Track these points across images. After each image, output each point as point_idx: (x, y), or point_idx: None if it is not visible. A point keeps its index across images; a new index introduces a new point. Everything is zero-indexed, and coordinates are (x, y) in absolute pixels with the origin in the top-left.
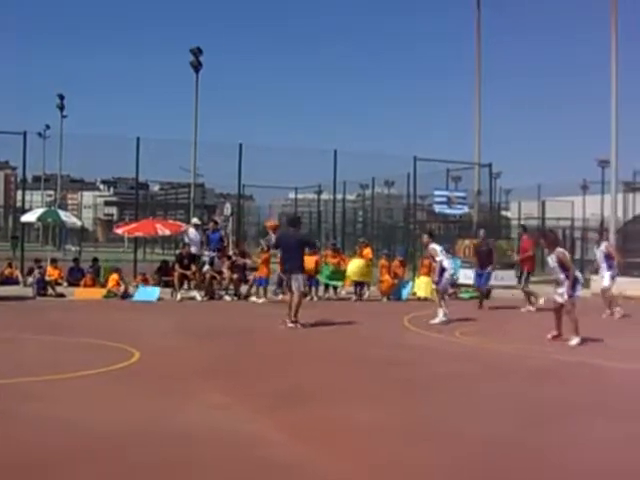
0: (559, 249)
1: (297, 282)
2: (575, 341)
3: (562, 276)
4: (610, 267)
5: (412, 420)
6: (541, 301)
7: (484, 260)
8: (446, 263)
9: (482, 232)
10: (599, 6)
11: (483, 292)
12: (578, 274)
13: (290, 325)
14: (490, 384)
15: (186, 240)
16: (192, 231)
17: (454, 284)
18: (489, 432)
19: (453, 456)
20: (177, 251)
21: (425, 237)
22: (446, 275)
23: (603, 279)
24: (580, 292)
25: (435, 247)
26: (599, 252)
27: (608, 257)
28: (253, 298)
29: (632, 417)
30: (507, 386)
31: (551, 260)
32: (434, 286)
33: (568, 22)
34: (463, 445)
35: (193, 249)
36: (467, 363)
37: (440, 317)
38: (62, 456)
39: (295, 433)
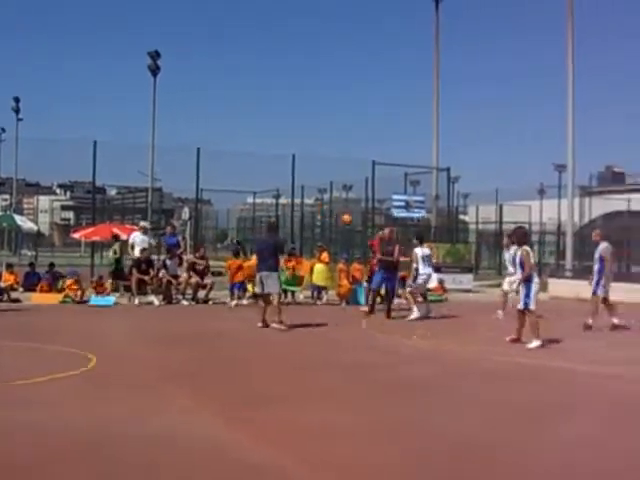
0: (525, 247)
1: (273, 281)
2: (534, 344)
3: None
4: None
5: (378, 422)
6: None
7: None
8: (421, 269)
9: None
10: (557, 12)
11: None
12: (535, 277)
13: (275, 326)
14: (450, 386)
15: (130, 242)
16: (138, 234)
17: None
18: (452, 433)
19: (418, 456)
20: (134, 255)
21: (414, 241)
22: (419, 280)
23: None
24: (535, 294)
25: (416, 252)
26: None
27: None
28: (233, 302)
29: (590, 418)
30: (465, 388)
31: (508, 255)
32: (408, 288)
33: (526, 28)
34: (427, 445)
35: (136, 252)
36: (426, 365)
37: (415, 314)
38: (20, 463)
39: (263, 436)
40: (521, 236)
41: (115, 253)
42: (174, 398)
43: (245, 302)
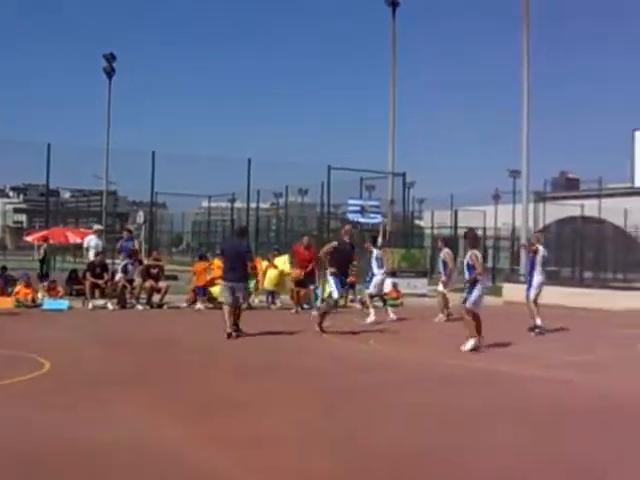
0: (474, 250)
1: (241, 292)
2: (469, 345)
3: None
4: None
5: (328, 429)
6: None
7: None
8: (375, 270)
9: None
10: (512, 18)
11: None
12: (484, 281)
13: (235, 334)
14: (400, 392)
15: (85, 246)
16: (93, 238)
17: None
18: (396, 439)
19: (366, 464)
20: (88, 259)
21: (366, 244)
22: (374, 281)
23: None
24: (476, 296)
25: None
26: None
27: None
28: (198, 305)
29: (534, 421)
30: (418, 393)
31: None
32: (366, 291)
33: (483, 33)
34: (375, 453)
35: (91, 255)
36: (380, 371)
37: (372, 317)
38: None
39: (213, 443)
40: (472, 239)
41: (41, 254)
42: (125, 404)
43: (202, 307)
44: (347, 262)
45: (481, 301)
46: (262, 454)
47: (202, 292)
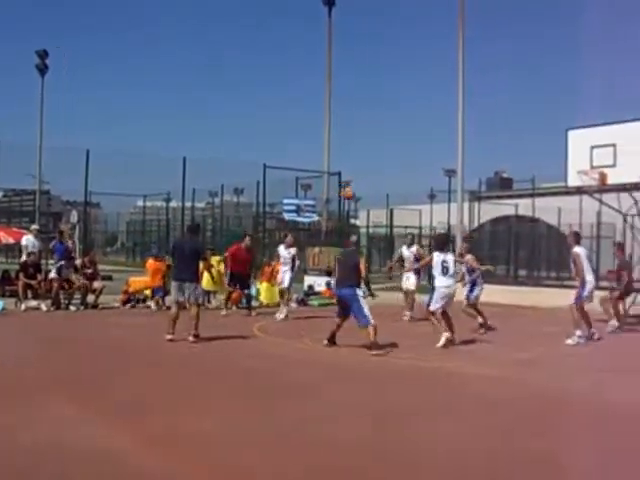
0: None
1: (193, 293)
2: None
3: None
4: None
5: (263, 427)
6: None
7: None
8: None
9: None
10: (448, 15)
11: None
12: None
13: (191, 339)
14: (340, 390)
15: (24, 244)
16: (30, 237)
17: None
18: (345, 437)
19: (299, 461)
20: (22, 259)
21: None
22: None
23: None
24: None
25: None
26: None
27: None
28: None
29: (476, 418)
30: (356, 391)
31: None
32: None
33: (417, 31)
34: (319, 451)
35: (30, 256)
36: (317, 370)
37: (283, 313)
38: None
39: (150, 443)
40: (440, 242)
41: None
42: (59, 406)
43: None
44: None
45: (442, 301)
46: (200, 452)
47: (159, 292)
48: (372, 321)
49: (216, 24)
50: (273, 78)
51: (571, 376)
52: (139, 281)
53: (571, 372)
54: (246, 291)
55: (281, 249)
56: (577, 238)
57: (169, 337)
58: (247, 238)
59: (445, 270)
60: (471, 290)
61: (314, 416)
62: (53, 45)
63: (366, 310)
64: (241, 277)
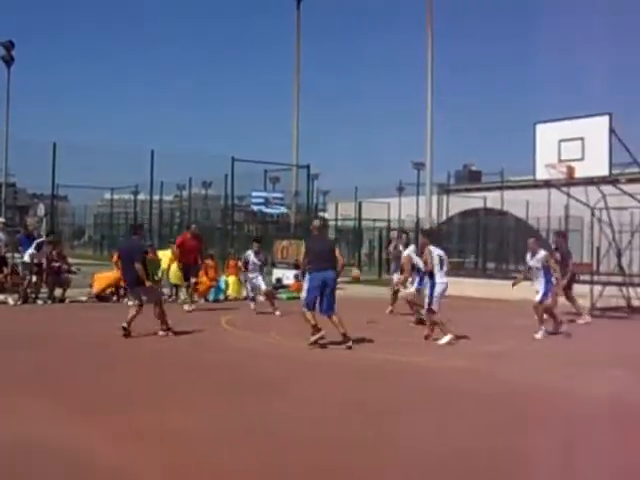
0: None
1: (147, 295)
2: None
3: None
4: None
5: (232, 423)
6: None
7: None
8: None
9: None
10: (417, 12)
11: None
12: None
13: (161, 333)
14: (307, 384)
15: None
16: None
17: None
18: (313, 431)
19: (268, 457)
20: None
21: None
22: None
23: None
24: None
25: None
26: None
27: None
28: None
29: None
30: (322, 385)
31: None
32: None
33: (384, 25)
34: (279, 446)
35: None
36: (284, 363)
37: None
38: None
39: (118, 440)
40: (436, 235)
41: None
42: (26, 403)
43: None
44: None
45: (441, 297)
46: (170, 449)
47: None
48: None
49: (184, 17)
50: (241, 72)
51: (540, 369)
52: (104, 277)
53: (541, 365)
54: (193, 280)
55: (251, 256)
56: (539, 244)
57: (124, 325)
58: (193, 226)
59: (442, 264)
60: (420, 283)
61: (284, 412)
62: (19, 37)
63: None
64: (189, 267)
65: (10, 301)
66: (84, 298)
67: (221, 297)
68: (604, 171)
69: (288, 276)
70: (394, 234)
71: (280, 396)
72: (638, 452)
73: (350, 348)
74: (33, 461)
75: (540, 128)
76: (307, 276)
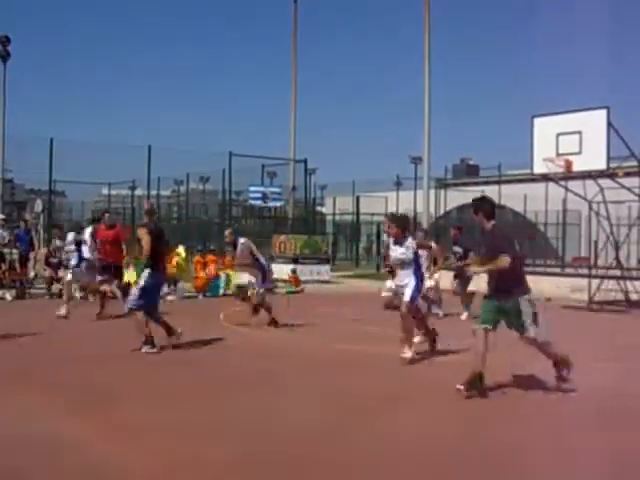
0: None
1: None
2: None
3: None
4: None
5: (219, 418)
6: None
7: None
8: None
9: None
10: (413, 3)
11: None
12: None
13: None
14: (299, 378)
15: None
16: None
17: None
18: (302, 424)
19: (256, 450)
20: None
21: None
22: None
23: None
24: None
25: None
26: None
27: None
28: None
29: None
30: (313, 378)
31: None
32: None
33: (383, 20)
34: (268, 440)
35: None
36: (277, 358)
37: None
38: None
39: (104, 435)
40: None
41: None
42: (12, 397)
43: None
44: None
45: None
46: (159, 442)
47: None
48: None
49: (181, 8)
50: (239, 67)
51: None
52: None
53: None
54: (115, 281)
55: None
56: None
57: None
58: (107, 215)
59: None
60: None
61: (274, 404)
62: (17, 31)
63: None
64: (110, 265)
65: (8, 297)
66: (80, 294)
67: (220, 293)
68: (602, 165)
69: (286, 271)
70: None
71: (268, 388)
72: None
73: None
74: (16, 456)
75: (538, 122)
76: None
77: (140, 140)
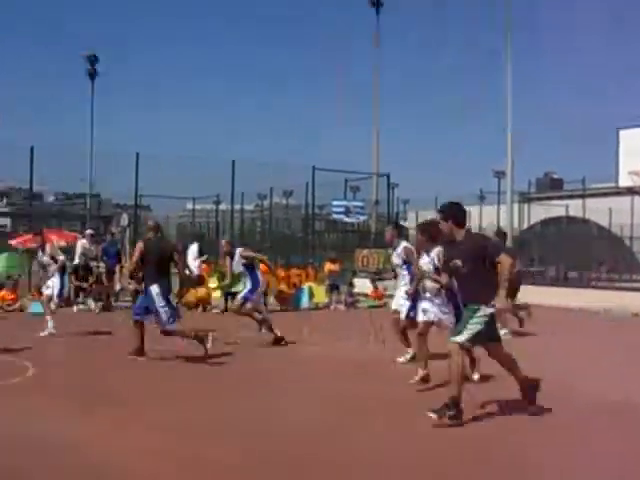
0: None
1: None
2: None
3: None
4: None
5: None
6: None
7: None
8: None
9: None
10: (496, 25)
11: None
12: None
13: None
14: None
15: (79, 251)
16: (83, 242)
17: None
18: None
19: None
20: (74, 262)
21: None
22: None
23: None
24: None
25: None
26: None
27: None
28: None
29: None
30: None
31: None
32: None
33: (465, 34)
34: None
35: (81, 259)
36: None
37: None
38: None
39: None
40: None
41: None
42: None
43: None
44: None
45: None
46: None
47: None
48: None
49: (268, 20)
50: (321, 81)
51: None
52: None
53: None
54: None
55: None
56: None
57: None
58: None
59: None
60: None
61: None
62: (104, 50)
63: None
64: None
65: (94, 307)
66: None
67: (303, 305)
68: None
69: (368, 285)
70: None
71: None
72: None
73: None
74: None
75: (623, 134)
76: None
77: (224, 155)
